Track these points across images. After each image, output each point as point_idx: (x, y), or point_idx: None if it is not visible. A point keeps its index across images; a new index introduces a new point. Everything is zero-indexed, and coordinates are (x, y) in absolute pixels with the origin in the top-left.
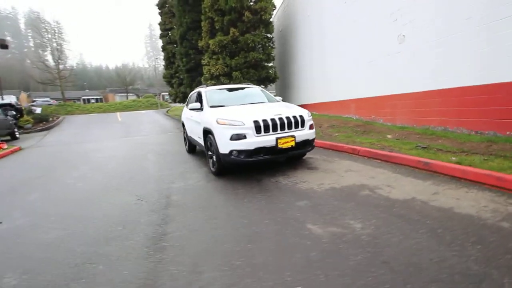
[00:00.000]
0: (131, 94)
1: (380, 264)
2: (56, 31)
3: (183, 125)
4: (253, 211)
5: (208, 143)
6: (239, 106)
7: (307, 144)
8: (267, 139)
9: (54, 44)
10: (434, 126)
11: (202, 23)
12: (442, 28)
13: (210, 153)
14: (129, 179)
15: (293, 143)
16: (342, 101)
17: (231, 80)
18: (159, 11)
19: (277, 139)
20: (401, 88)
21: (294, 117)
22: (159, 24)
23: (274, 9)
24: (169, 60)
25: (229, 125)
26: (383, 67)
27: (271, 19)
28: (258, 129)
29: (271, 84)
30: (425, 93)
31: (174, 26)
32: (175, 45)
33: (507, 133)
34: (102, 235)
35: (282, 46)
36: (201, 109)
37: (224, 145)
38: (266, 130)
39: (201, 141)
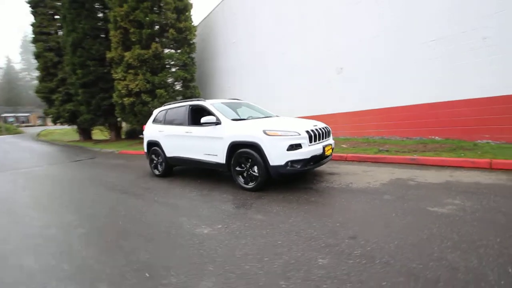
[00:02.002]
0: None
1: None
2: None
3: (153, 146)
4: (364, 210)
5: (242, 159)
6: (263, 119)
7: (332, 152)
8: (317, 148)
9: None
10: (373, 136)
11: (112, 33)
12: (374, 63)
13: (239, 168)
14: (149, 215)
15: (331, 151)
16: None
17: (154, 98)
18: (33, 10)
19: (324, 147)
20: (342, 108)
21: (325, 127)
22: (32, 25)
23: (195, 31)
24: (48, 71)
25: (284, 136)
26: (325, 92)
27: (194, 40)
28: (310, 139)
29: None
30: (365, 111)
31: (54, 31)
32: (55, 54)
33: (429, 137)
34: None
35: (198, 67)
36: (217, 123)
37: (279, 157)
38: (315, 139)
39: (215, 158)
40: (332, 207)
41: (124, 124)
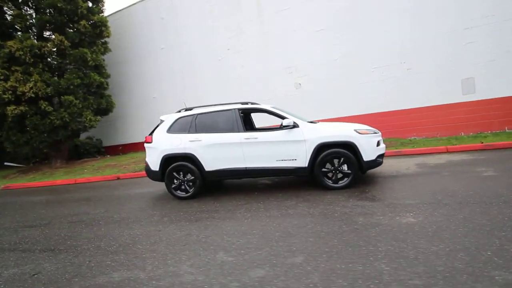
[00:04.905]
0: None
1: None
2: None
3: (177, 160)
4: (455, 183)
5: (329, 159)
6: (327, 122)
7: None
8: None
9: None
10: None
11: None
12: (329, 80)
13: (325, 169)
14: (326, 227)
15: None
16: None
17: (60, 107)
18: None
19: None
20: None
21: None
22: None
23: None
24: None
25: (371, 134)
26: (284, 105)
27: (108, 38)
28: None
29: (102, 116)
30: (321, 120)
31: None
32: None
33: None
34: None
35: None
36: (294, 126)
37: (372, 152)
38: None
39: (293, 162)
40: (433, 186)
41: None
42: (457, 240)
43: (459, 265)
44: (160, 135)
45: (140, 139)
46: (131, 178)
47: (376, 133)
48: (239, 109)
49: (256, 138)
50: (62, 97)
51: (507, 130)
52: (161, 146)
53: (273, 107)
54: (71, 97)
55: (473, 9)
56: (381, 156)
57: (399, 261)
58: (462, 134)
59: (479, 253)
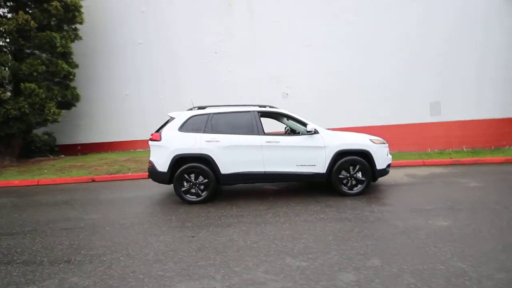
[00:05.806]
0: None
1: None
2: None
3: (189, 162)
4: (452, 190)
5: (346, 166)
6: (340, 131)
7: None
8: None
9: None
10: None
11: None
12: (314, 93)
13: (341, 176)
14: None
15: None
16: None
17: (18, 95)
18: None
19: None
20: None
21: None
22: None
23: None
24: None
25: (382, 144)
26: None
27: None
28: None
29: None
30: None
31: None
32: None
33: None
34: None
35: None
36: (315, 132)
37: (383, 161)
38: None
39: (312, 168)
40: (435, 194)
41: None
42: (499, 239)
43: None
44: (171, 133)
45: (105, 139)
46: (109, 180)
47: (384, 143)
48: (258, 112)
49: (278, 142)
50: (21, 84)
51: (464, 149)
52: (173, 145)
53: (291, 113)
54: (33, 85)
55: (439, 40)
56: (389, 165)
57: (469, 259)
58: (429, 150)
59: None
